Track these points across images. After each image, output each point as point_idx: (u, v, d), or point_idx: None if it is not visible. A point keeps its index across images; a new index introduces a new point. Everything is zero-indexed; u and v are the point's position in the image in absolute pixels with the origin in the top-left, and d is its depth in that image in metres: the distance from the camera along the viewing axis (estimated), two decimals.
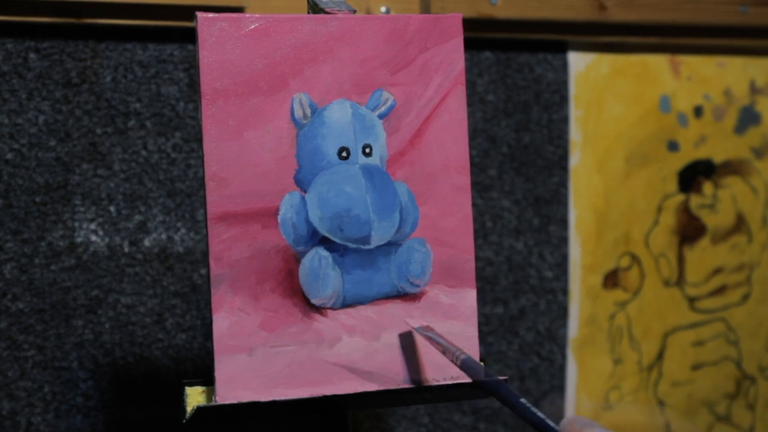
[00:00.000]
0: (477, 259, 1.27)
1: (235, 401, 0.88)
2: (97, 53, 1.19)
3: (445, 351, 0.90)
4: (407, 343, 0.92)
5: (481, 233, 1.35)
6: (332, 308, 0.91)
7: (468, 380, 0.92)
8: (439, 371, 0.93)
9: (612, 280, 1.42)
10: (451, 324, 0.93)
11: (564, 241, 1.39)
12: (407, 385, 0.92)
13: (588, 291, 1.40)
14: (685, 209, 1.46)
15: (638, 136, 1.42)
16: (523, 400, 0.82)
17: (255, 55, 0.89)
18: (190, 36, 1.21)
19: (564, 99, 1.39)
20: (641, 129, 1.43)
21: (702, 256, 1.47)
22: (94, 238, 1.19)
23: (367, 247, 0.91)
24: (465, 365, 0.88)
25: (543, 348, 1.39)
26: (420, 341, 0.92)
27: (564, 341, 1.40)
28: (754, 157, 1.49)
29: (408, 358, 0.92)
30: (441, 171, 0.94)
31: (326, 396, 0.90)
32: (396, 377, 0.92)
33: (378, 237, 0.91)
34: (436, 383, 0.93)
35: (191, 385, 0.89)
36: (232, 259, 0.88)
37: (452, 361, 0.89)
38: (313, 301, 0.90)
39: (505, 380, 0.93)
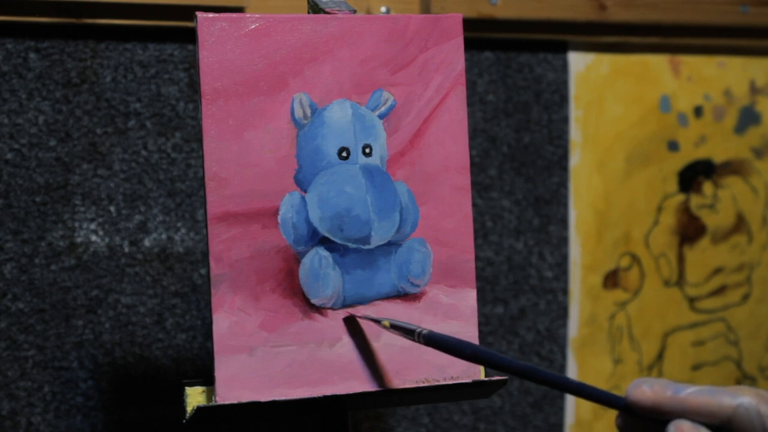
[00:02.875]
0: (477, 259, 1.28)
1: (235, 401, 0.88)
2: (97, 53, 1.19)
3: (410, 332, 0.86)
4: (407, 343, 0.92)
5: (481, 233, 1.35)
6: (332, 308, 0.91)
7: (468, 380, 0.92)
8: (439, 371, 0.93)
9: (612, 280, 1.41)
10: (452, 324, 0.93)
11: (564, 241, 1.39)
12: (407, 385, 0.92)
13: (588, 291, 1.40)
14: (685, 209, 1.46)
15: (638, 136, 1.42)
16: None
17: (255, 55, 0.89)
18: (190, 36, 1.21)
19: (564, 99, 1.39)
20: (641, 129, 1.43)
21: (702, 256, 1.46)
22: (94, 238, 1.19)
23: (367, 247, 0.91)
24: (430, 340, 0.84)
25: (543, 348, 1.39)
26: (413, 342, 0.92)
27: (564, 341, 1.40)
28: (754, 157, 1.49)
29: (408, 358, 0.92)
30: (441, 171, 0.94)
31: (326, 396, 0.90)
32: (396, 377, 0.92)
33: (378, 237, 0.91)
34: (436, 383, 0.93)
35: (191, 385, 0.89)
36: (232, 259, 0.88)
37: (417, 341, 0.86)
38: (314, 301, 0.90)
39: (505, 380, 0.93)
